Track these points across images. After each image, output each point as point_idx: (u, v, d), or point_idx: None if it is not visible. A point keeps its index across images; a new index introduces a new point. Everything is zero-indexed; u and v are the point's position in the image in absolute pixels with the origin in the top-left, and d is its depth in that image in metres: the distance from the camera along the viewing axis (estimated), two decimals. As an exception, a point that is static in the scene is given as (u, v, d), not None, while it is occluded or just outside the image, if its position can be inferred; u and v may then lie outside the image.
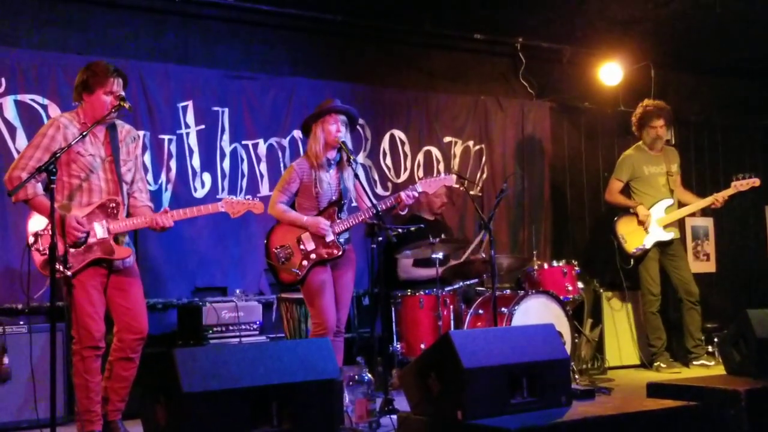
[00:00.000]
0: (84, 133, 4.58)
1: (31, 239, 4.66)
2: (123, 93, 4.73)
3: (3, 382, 5.36)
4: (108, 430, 4.78)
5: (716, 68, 9.34)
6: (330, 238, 5.46)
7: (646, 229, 7.47)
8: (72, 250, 4.59)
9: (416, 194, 5.62)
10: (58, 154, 4.42)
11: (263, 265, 6.72)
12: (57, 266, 4.43)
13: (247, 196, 5.33)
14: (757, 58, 9.00)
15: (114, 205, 4.71)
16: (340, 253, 5.49)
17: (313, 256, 5.46)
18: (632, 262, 7.58)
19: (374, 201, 5.42)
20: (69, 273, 4.56)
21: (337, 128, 5.51)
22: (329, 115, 5.52)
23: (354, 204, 5.75)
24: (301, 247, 5.48)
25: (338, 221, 5.51)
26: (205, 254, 6.70)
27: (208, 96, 6.79)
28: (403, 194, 5.54)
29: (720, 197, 7.45)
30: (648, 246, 7.50)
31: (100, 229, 4.66)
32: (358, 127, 7.37)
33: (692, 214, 7.84)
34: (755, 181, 7.39)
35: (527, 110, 8.46)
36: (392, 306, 6.52)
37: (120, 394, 4.80)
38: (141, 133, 6.40)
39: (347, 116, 5.61)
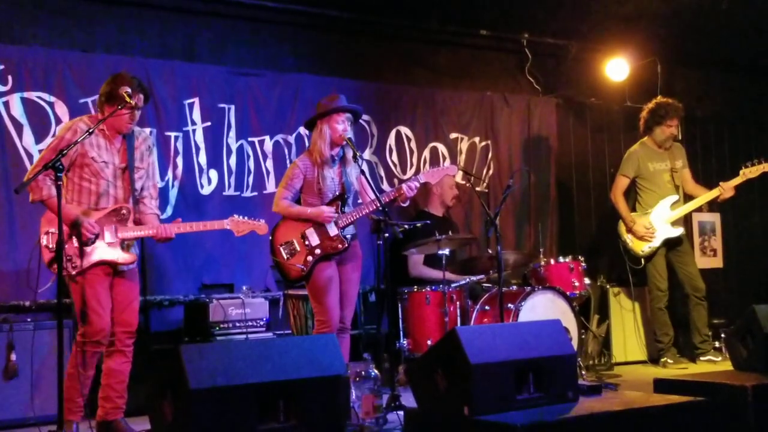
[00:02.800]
0: (90, 130, 4.60)
1: (43, 237, 4.72)
2: (131, 92, 4.76)
3: (10, 378, 5.39)
4: (110, 429, 4.82)
5: (723, 63, 9.32)
6: (334, 231, 5.47)
7: (648, 240, 7.44)
8: (80, 249, 4.66)
9: (417, 185, 5.61)
10: (65, 152, 4.47)
11: (270, 261, 6.71)
12: (64, 264, 4.51)
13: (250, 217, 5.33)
14: (764, 52, 8.97)
15: (125, 212, 4.82)
16: (344, 246, 5.50)
17: (317, 251, 5.47)
18: (643, 262, 7.56)
19: (378, 195, 5.44)
20: (73, 272, 4.66)
21: (344, 127, 5.53)
22: (336, 114, 5.53)
23: (359, 200, 5.76)
24: (306, 242, 5.49)
25: (342, 215, 5.52)
26: (212, 251, 6.71)
27: (215, 93, 6.80)
28: (404, 186, 5.53)
29: (726, 186, 7.41)
30: (657, 244, 7.47)
31: (109, 234, 4.75)
32: (364, 123, 7.39)
33: (699, 209, 7.79)
34: (766, 167, 7.33)
35: (533, 106, 8.45)
36: (399, 302, 6.52)
37: (117, 389, 4.85)
38: (151, 133, 6.42)
39: (352, 113, 5.63)
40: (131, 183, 4.86)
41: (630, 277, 7.69)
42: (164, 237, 4.89)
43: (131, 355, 4.91)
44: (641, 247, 7.49)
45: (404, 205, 5.73)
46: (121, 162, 4.86)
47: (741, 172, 7.40)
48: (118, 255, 4.78)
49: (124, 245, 4.83)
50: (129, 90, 4.73)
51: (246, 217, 5.21)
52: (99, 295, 4.69)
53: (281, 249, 5.53)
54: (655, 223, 7.47)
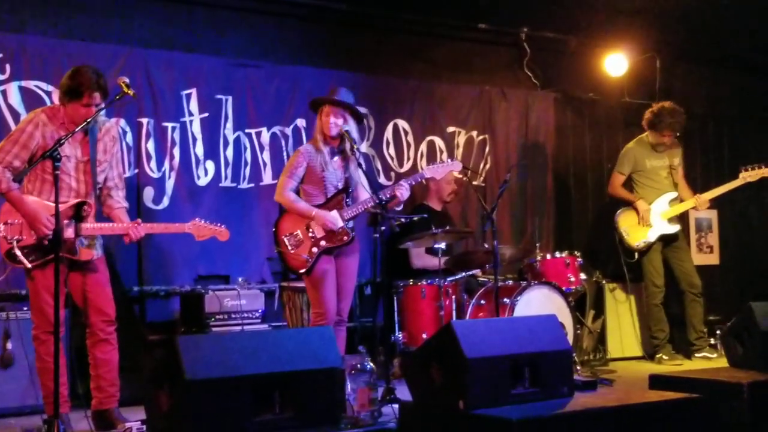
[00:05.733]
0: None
1: (1, 227, 4.70)
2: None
3: (6, 367, 5.39)
4: (104, 419, 4.82)
5: (722, 59, 9.31)
6: (339, 224, 5.49)
7: (646, 224, 7.45)
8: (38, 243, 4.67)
9: (415, 181, 5.67)
10: (63, 141, 4.45)
11: (266, 253, 6.73)
12: (20, 257, 4.62)
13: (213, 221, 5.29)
14: (763, 49, 8.97)
15: (86, 208, 4.77)
16: (349, 239, 5.53)
17: (323, 242, 5.50)
18: (636, 256, 7.57)
19: (375, 189, 5.45)
20: (29, 265, 4.66)
21: (333, 121, 5.54)
22: (325, 106, 5.56)
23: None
24: (311, 234, 5.51)
25: (346, 208, 5.55)
26: (208, 242, 6.63)
27: (212, 84, 6.77)
28: (398, 191, 5.54)
29: (702, 199, 7.44)
30: (652, 239, 7.48)
31: (68, 230, 4.71)
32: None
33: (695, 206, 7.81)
34: (765, 171, 7.34)
35: (531, 101, 8.44)
36: (394, 296, 6.52)
37: (107, 378, 4.85)
38: (148, 123, 6.41)
39: (350, 111, 5.65)
40: (93, 176, 4.82)
41: (626, 273, 7.70)
42: (136, 239, 4.86)
43: (116, 342, 4.89)
44: (636, 241, 7.50)
45: (398, 209, 5.73)
46: (83, 155, 4.81)
47: (740, 175, 7.40)
48: (75, 251, 4.74)
49: (84, 242, 4.80)
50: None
51: (208, 222, 5.12)
52: (51, 288, 4.57)
53: (285, 240, 5.54)
54: (653, 217, 7.48)
